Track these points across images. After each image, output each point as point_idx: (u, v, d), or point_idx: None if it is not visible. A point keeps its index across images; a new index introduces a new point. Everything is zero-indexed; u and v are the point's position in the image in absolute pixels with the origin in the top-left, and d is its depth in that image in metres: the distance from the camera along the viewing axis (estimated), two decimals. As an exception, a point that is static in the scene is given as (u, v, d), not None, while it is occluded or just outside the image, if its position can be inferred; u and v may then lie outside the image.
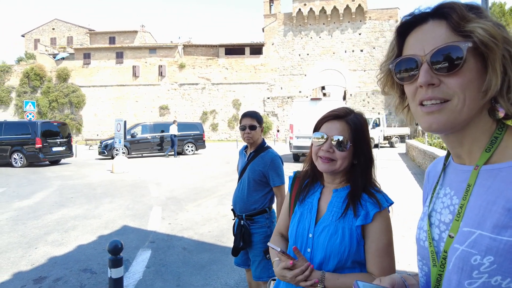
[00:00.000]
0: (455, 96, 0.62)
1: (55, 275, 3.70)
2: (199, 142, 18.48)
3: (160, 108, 32.78)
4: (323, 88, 35.24)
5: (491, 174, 0.62)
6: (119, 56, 33.35)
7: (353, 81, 30.24)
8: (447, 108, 0.63)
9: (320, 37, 31.18)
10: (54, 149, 13.78)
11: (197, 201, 7.22)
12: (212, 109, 32.46)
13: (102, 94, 33.26)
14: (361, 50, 30.46)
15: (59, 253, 4.33)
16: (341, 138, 1.17)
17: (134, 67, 33.15)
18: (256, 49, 32.46)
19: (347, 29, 30.74)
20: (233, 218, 2.65)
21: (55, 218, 5.98)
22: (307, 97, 28.53)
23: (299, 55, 31.57)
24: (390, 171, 10.32)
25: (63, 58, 34.70)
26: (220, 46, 32.89)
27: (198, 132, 18.61)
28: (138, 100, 33.10)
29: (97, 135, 32.21)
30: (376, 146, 19.23)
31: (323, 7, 30.36)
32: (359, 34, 30.56)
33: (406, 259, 3.72)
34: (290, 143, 13.88)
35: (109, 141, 16.37)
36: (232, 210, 2.65)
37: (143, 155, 17.61)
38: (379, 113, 27.22)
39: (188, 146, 18.02)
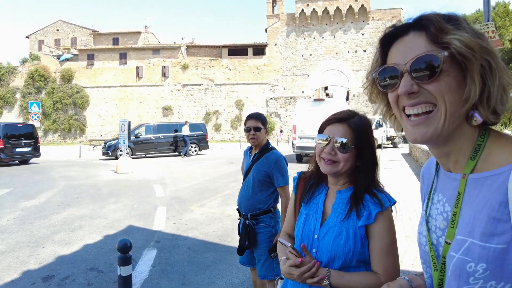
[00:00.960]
0: (438, 102, 0.64)
1: (63, 273, 3.77)
2: (202, 142, 18.47)
3: (164, 109, 32.89)
4: (326, 88, 35.22)
5: (477, 183, 0.64)
6: (123, 57, 33.49)
7: (356, 81, 30.15)
8: (431, 119, 0.65)
9: (323, 37, 31.16)
10: (18, 149, 14.19)
11: (202, 201, 7.28)
12: (215, 110, 32.52)
13: (105, 95, 33.43)
14: (364, 51, 30.40)
15: (67, 252, 4.40)
16: (343, 140, 1.20)
17: (137, 68, 33.29)
18: (259, 50, 32.47)
19: (350, 29, 30.69)
20: (239, 217, 2.70)
21: (61, 218, 6.06)
22: (310, 97, 28.41)
23: (302, 55, 31.56)
24: (393, 171, 10.32)
25: (67, 59, 34.94)
26: (223, 46, 32.93)
27: (201, 132, 18.61)
28: (142, 100, 33.24)
29: (101, 135, 32.38)
30: (379, 146, 19.19)
31: (326, 8, 30.32)
32: (362, 34, 30.51)
33: (410, 259, 3.74)
34: (293, 144, 13.79)
35: (113, 142, 16.51)
36: (238, 210, 2.70)
37: (147, 155, 17.72)
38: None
39: (192, 147, 18.05)
